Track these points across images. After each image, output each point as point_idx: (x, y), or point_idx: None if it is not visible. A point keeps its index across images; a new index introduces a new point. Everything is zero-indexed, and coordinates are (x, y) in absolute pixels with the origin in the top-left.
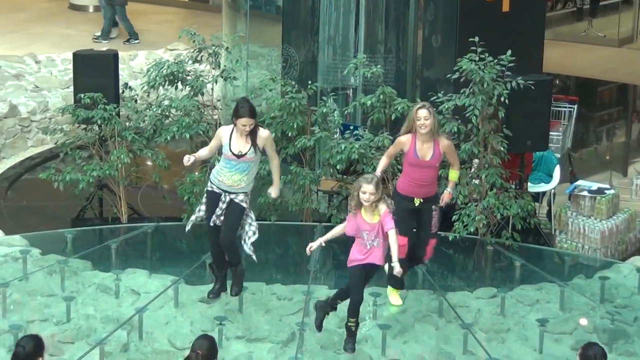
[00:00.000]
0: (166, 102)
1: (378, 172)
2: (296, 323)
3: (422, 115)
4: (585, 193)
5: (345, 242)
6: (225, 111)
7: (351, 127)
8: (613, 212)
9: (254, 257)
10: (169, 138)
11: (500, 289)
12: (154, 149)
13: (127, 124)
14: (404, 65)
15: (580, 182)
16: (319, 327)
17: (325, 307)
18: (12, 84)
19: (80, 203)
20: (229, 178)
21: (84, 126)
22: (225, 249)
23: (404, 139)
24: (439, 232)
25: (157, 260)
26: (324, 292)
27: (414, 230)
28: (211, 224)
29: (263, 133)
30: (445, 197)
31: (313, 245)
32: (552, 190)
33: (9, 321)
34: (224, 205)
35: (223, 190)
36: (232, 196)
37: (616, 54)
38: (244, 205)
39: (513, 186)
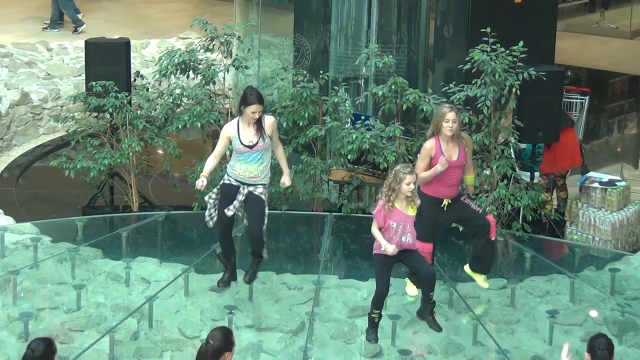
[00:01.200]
0: (178, 91)
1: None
2: (306, 312)
3: (451, 118)
4: (596, 185)
5: (355, 232)
6: (237, 100)
7: (362, 117)
8: (624, 203)
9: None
10: (180, 127)
11: (510, 280)
12: (165, 137)
13: (139, 112)
14: (416, 56)
15: (591, 174)
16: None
17: (424, 314)
18: (24, 71)
19: (91, 191)
20: (245, 170)
21: (95, 114)
22: (253, 240)
23: (429, 146)
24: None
25: (168, 249)
26: (334, 281)
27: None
28: (229, 213)
29: (269, 119)
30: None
31: (388, 250)
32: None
33: (19, 309)
34: (242, 198)
35: (241, 182)
36: (251, 188)
37: (628, 46)
38: (263, 197)
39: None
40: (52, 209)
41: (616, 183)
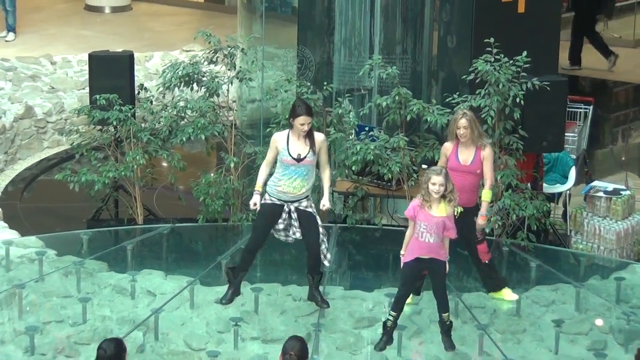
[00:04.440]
0: (182, 103)
1: None
2: (312, 324)
3: (462, 125)
4: (600, 194)
5: (360, 243)
6: (241, 112)
7: (366, 128)
8: (629, 212)
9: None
10: (184, 139)
11: (515, 290)
12: (169, 150)
13: (143, 125)
14: (420, 66)
15: (595, 183)
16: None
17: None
18: (28, 85)
19: (96, 204)
20: (290, 185)
21: (99, 127)
22: (312, 254)
23: (448, 145)
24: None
25: (173, 262)
26: (339, 292)
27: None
28: (282, 237)
29: (319, 136)
30: (480, 221)
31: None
32: (568, 191)
33: (25, 322)
34: (293, 216)
35: (284, 200)
36: (296, 204)
37: (632, 55)
38: (311, 210)
39: (528, 186)
40: (56, 222)
41: (621, 192)
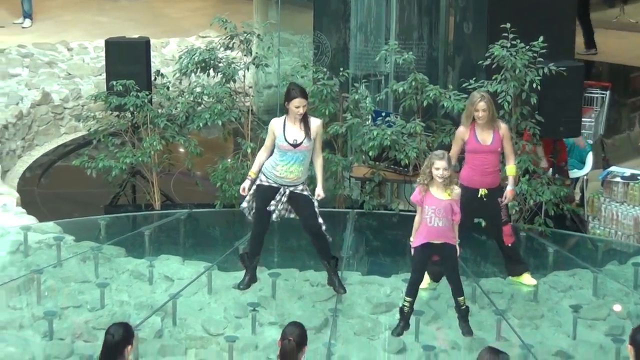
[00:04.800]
0: (198, 89)
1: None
2: (329, 309)
3: (481, 107)
4: (618, 179)
5: (377, 229)
6: (257, 98)
7: (383, 114)
8: None
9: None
10: (201, 125)
11: (533, 275)
12: (186, 135)
13: (160, 110)
14: (436, 52)
15: (613, 168)
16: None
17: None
18: (45, 71)
19: (114, 190)
20: (286, 171)
21: (116, 113)
22: (314, 236)
23: (463, 128)
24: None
25: (190, 247)
26: (356, 278)
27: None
28: (274, 216)
29: (315, 122)
30: (509, 195)
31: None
32: (585, 177)
33: (43, 307)
34: (285, 199)
35: (280, 184)
36: (292, 188)
37: None
38: (306, 193)
39: (549, 172)
40: (74, 208)
41: (638, 177)
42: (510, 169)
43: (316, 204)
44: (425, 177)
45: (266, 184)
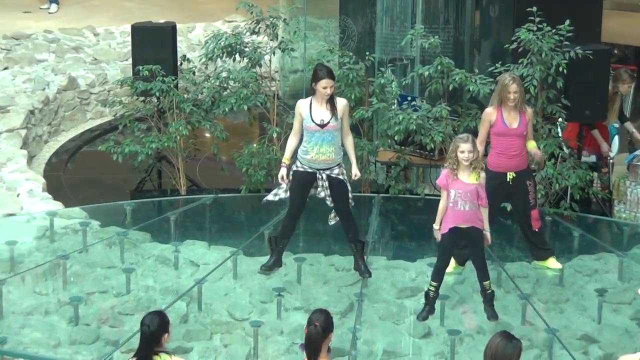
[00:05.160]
0: (224, 74)
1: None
2: (354, 294)
3: (513, 90)
4: None
5: (403, 213)
6: (284, 82)
7: (409, 98)
8: None
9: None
10: (227, 110)
11: (558, 259)
12: (212, 120)
13: (185, 96)
14: (462, 36)
15: (639, 152)
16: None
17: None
18: (71, 56)
19: (139, 175)
20: (318, 152)
21: (142, 98)
22: (345, 221)
23: (489, 110)
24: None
25: (216, 232)
26: (382, 262)
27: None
28: (320, 195)
29: (341, 101)
30: (537, 156)
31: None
32: (611, 160)
33: (69, 293)
34: (326, 184)
35: (316, 168)
36: (328, 172)
37: None
38: (342, 177)
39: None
40: (100, 193)
41: None
42: (531, 143)
43: (350, 188)
44: (452, 162)
45: (301, 169)
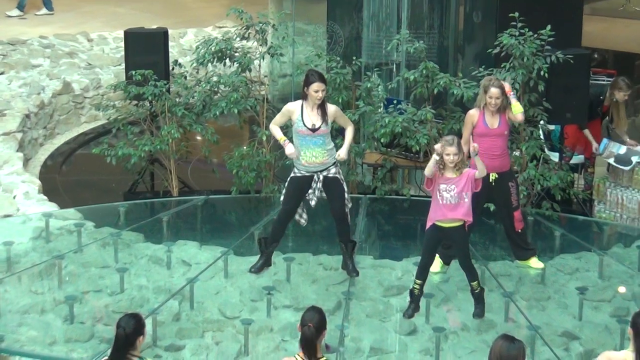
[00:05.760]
0: (215, 79)
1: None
2: (342, 292)
3: (494, 95)
4: (615, 161)
5: (389, 213)
6: (273, 87)
7: (395, 101)
8: None
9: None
10: (217, 113)
11: (540, 258)
12: (203, 124)
13: (177, 99)
14: (446, 41)
15: (610, 142)
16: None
17: (476, 292)
18: (66, 61)
19: (132, 177)
20: (311, 156)
21: (135, 102)
22: (338, 221)
23: (472, 111)
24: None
25: (207, 232)
26: (369, 262)
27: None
28: (312, 203)
29: (332, 107)
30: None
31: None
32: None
33: (64, 292)
34: (319, 185)
35: (312, 172)
36: (324, 173)
37: None
38: (338, 176)
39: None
40: (94, 195)
41: (632, 159)
42: (514, 109)
43: (346, 188)
44: (439, 164)
45: (299, 174)
